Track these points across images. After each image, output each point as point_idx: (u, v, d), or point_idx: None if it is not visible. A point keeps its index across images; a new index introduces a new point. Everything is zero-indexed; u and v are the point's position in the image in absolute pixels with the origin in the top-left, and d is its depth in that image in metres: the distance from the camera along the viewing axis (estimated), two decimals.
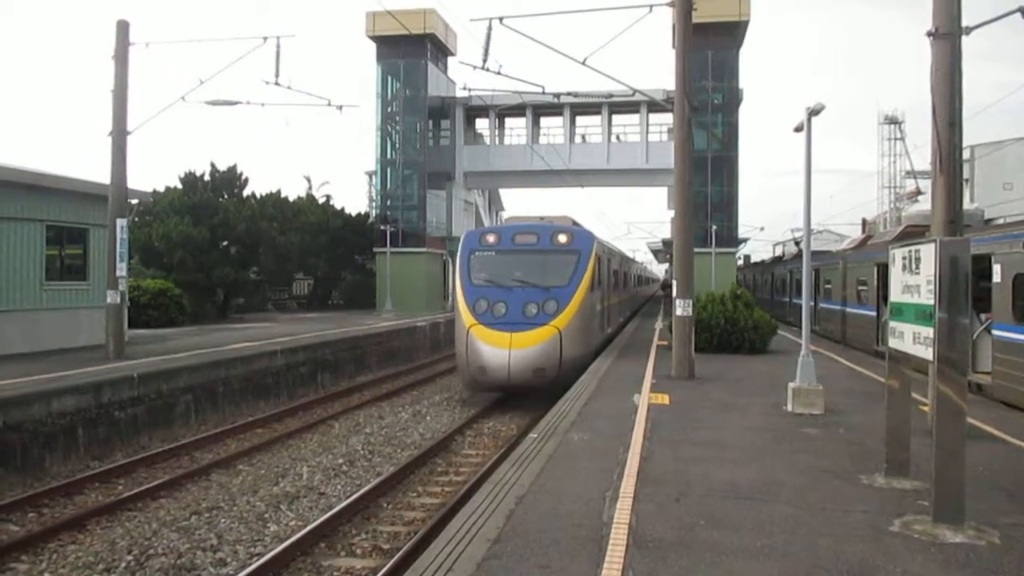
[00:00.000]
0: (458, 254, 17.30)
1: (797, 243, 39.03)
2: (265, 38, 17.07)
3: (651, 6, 14.99)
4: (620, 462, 7.82)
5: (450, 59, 53.21)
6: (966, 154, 37.20)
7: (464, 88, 21.17)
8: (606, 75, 16.72)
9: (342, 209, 49.89)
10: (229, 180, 37.95)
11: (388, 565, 7.55)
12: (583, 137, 50.76)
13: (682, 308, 14.68)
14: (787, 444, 8.96)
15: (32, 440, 11.38)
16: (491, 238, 17.28)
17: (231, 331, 25.72)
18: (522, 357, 15.31)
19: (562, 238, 17.07)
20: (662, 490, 6.86)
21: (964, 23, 9.61)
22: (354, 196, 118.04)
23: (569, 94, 21.89)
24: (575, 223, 20.33)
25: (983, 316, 13.43)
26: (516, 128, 53.22)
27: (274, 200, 38.09)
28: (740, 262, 58.91)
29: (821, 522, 6.03)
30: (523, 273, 16.45)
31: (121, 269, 17.19)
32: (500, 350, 15.34)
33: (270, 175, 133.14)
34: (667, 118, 42.78)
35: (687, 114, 14.65)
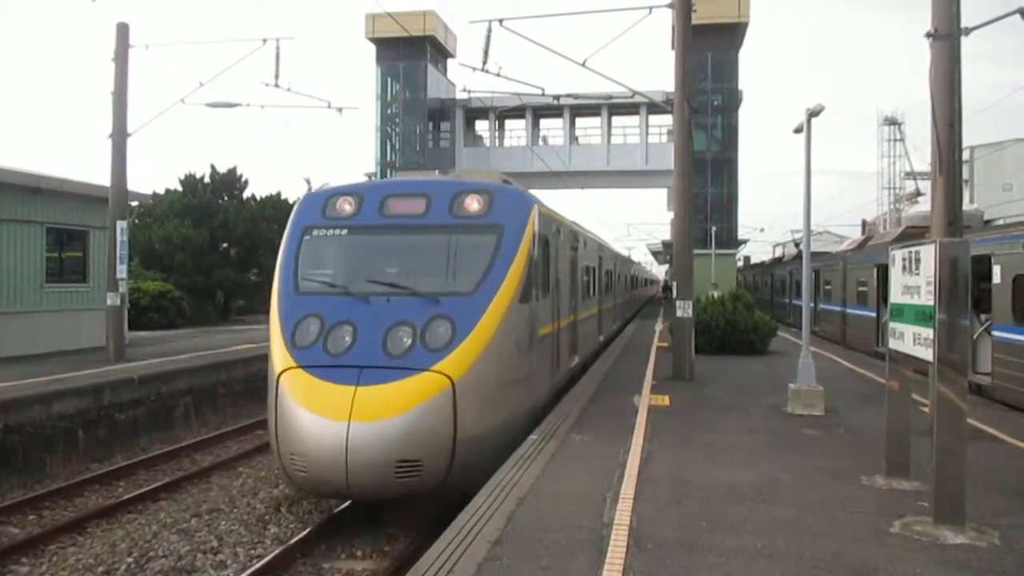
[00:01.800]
0: (285, 235, 9.81)
1: (797, 244, 39.07)
2: (265, 40, 17.08)
3: (651, 8, 15.01)
4: (620, 463, 7.82)
5: (450, 61, 53.31)
6: (965, 155, 37.17)
7: (464, 90, 21.17)
8: (606, 77, 16.61)
9: None
10: (229, 182, 37.94)
11: (387, 565, 7.57)
12: (576, 139, 50.72)
13: (682, 309, 14.68)
14: (787, 445, 8.96)
15: (32, 442, 11.38)
16: (344, 205, 9.67)
17: (232, 333, 25.72)
18: (373, 438, 7.46)
19: (472, 204, 9.36)
20: (662, 491, 6.85)
21: (963, 24, 9.63)
22: None
23: (569, 96, 21.86)
24: (507, 182, 11.40)
25: (983, 317, 13.43)
26: (516, 130, 53.30)
27: (274, 202, 38.11)
28: (740, 263, 58.96)
29: (822, 523, 6.03)
30: (395, 268, 9.09)
31: (121, 271, 17.19)
32: (331, 424, 7.52)
33: (270, 177, 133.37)
34: (667, 119, 42.83)
35: (687, 115, 14.66)
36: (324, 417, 7.53)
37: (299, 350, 8.26)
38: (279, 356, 8.33)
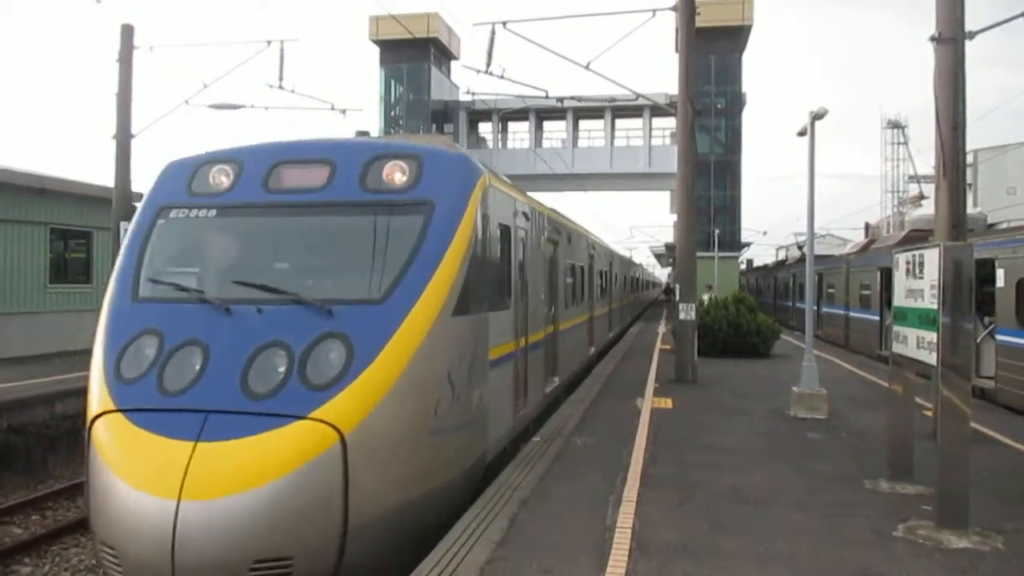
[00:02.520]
0: (133, 218, 7.29)
1: (800, 247, 39.04)
2: (269, 42, 17.12)
3: (654, 11, 15.03)
4: (623, 466, 7.81)
5: (453, 63, 53.38)
6: (969, 158, 37.16)
7: (467, 92, 21.23)
8: (609, 79, 16.60)
9: None
10: None
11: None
12: (572, 142, 50.73)
13: (685, 312, 14.67)
14: (790, 448, 8.94)
15: (36, 443, 11.40)
16: (219, 177, 7.07)
17: None
18: (216, 526, 4.88)
19: (392, 174, 6.78)
20: (665, 494, 6.85)
21: (967, 28, 9.62)
22: None
23: (572, 98, 21.86)
24: (453, 146, 8.86)
25: (986, 321, 13.41)
26: (519, 132, 53.34)
27: None
28: (743, 266, 58.92)
29: (825, 527, 6.02)
30: (276, 265, 6.83)
31: None
32: (151, 502, 4.93)
33: None
34: (670, 122, 42.82)
35: (690, 118, 14.66)
36: (143, 491, 4.91)
37: (123, 385, 5.64)
38: (95, 393, 5.73)
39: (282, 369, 5.52)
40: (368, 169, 6.73)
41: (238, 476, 4.95)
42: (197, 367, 5.62)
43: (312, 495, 5.07)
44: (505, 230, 8.17)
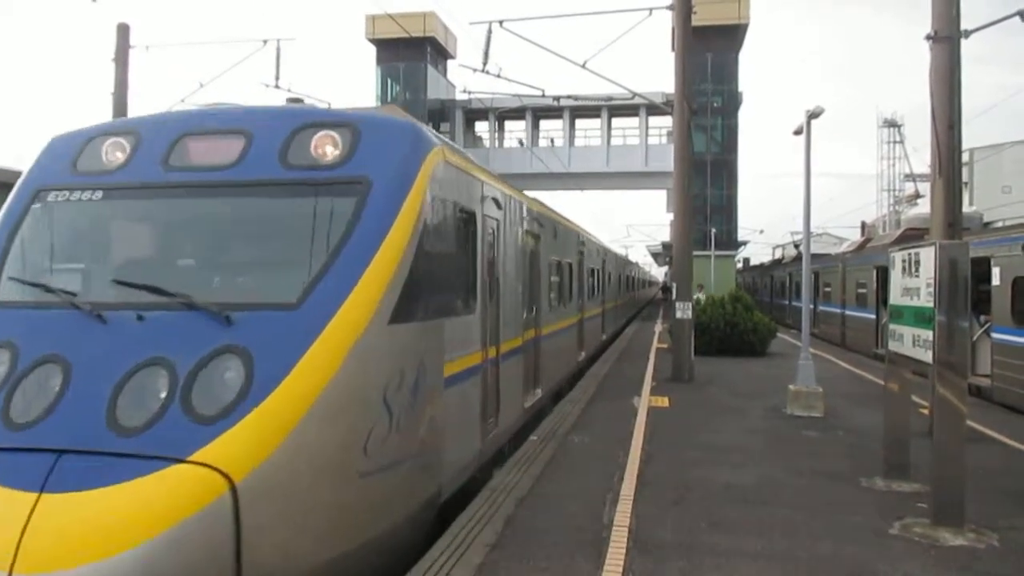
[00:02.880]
0: (7, 201, 5.95)
1: (796, 246, 39.11)
2: (265, 41, 17.14)
3: (651, 9, 15.05)
4: (620, 465, 7.82)
5: (450, 62, 53.37)
6: (965, 157, 37.26)
7: (464, 91, 21.21)
8: (606, 78, 16.60)
9: None
10: None
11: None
12: (560, 140, 50.77)
13: (681, 311, 14.69)
14: (787, 447, 8.96)
15: None
16: (113, 152, 5.80)
17: None
18: None
19: (321, 147, 5.51)
20: (662, 493, 6.85)
21: (963, 26, 9.64)
22: None
23: (569, 97, 21.87)
24: (403, 114, 6.97)
25: (982, 319, 13.45)
26: (515, 131, 53.35)
27: None
28: (739, 265, 58.99)
29: (821, 525, 6.03)
30: (169, 260, 5.65)
31: None
32: None
33: None
34: (666, 121, 42.87)
35: (687, 117, 14.67)
36: None
37: None
38: None
39: (162, 395, 4.32)
40: (291, 141, 5.50)
41: (92, 539, 3.74)
42: (53, 392, 4.39)
43: (190, 562, 3.86)
44: (468, 218, 6.85)
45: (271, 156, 5.48)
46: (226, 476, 4.01)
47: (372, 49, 50.04)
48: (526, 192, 10.67)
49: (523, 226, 9.74)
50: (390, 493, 5.08)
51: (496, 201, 8.05)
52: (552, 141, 50.17)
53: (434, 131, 6.48)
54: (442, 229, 5.98)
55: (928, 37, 9.65)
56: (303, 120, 5.68)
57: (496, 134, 52.88)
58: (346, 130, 5.53)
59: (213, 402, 4.29)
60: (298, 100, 7.04)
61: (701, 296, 22.84)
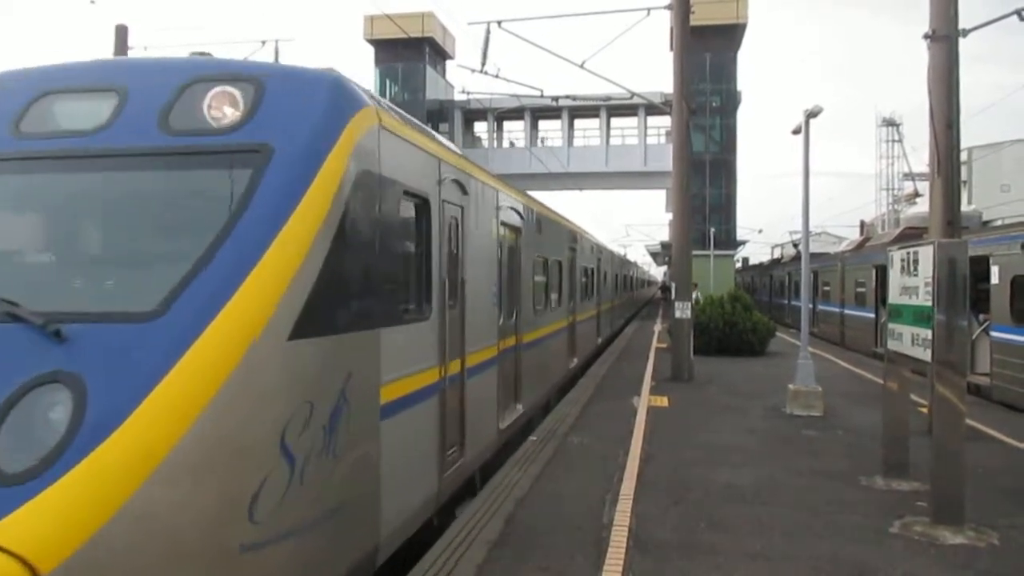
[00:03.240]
0: None
1: (795, 245, 39.12)
2: (264, 42, 17.25)
3: (649, 9, 15.07)
4: (620, 465, 7.81)
5: (448, 62, 53.38)
6: (963, 156, 37.29)
7: (462, 91, 21.24)
8: (604, 78, 16.61)
9: None
10: None
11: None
12: (556, 141, 50.81)
13: (681, 310, 14.69)
14: (786, 446, 8.96)
15: None
16: None
17: None
18: None
19: (218, 106, 4.26)
20: (662, 493, 6.85)
21: (961, 25, 9.65)
22: None
23: (567, 97, 21.89)
24: (337, 74, 4.89)
25: (981, 317, 13.46)
26: (514, 131, 53.41)
27: None
28: (738, 264, 59.03)
29: (821, 524, 6.03)
30: (22, 248, 4.42)
31: None
32: None
33: None
34: (665, 121, 42.90)
35: (685, 117, 14.68)
36: None
37: None
38: None
39: None
40: (177, 100, 4.31)
41: None
42: None
43: None
44: (421, 203, 5.73)
45: (149, 119, 4.27)
46: (27, 565, 2.76)
47: (370, 50, 50.05)
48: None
49: (499, 217, 8.52)
50: (295, 567, 3.86)
51: (460, 185, 6.78)
52: (542, 141, 50.12)
53: (377, 98, 5.12)
54: (376, 214, 4.72)
55: (926, 36, 9.66)
56: (193, 74, 4.42)
57: (495, 134, 52.90)
58: (247, 85, 4.30)
59: (24, 453, 3.04)
60: (204, 54, 5.29)
61: (697, 295, 22.85)
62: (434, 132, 7.01)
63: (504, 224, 8.81)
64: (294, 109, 4.31)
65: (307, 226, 3.97)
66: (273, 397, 3.73)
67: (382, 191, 4.83)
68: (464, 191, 6.92)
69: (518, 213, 9.62)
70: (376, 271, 4.75)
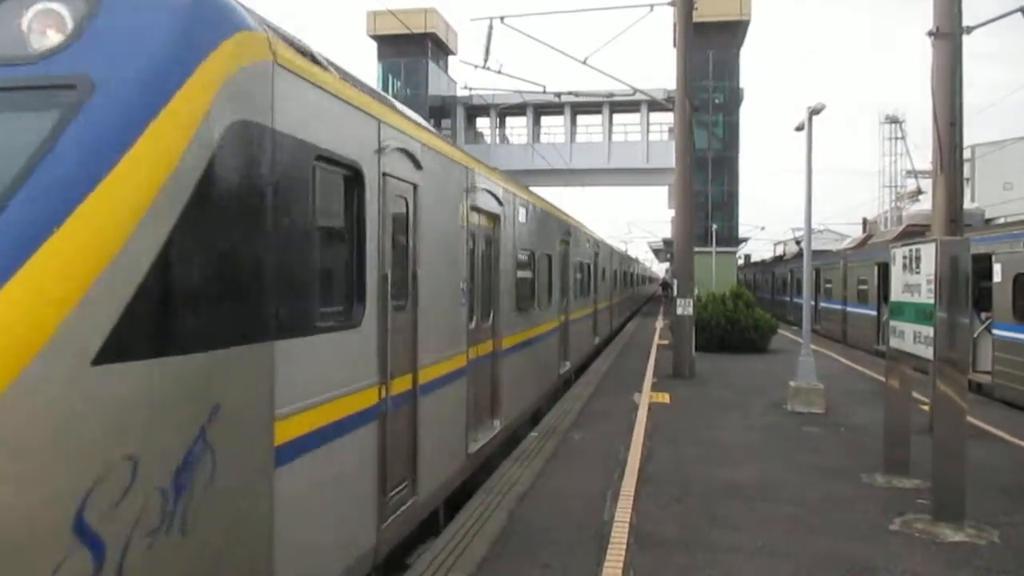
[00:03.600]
0: None
1: (798, 242, 39.08)
2: None
3: (652, 5, 15.03)
4: (621, 461, 7.83)
5: (451, 58, 53.35)
6: (966, 154, 37.24)
7: (465, 87, 21.19)
8: (607, 74, 16.58)
9: None
10: None
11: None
12: (559, 137, 50.76)
13: (683, 307, 14.70)
14: (788, 443, 8.97)
15: None
16: None
17: None
18: None
19: (38, 27, 3.09)
20: (663, 489, 6.86)
21: (965, 23, 9.63)
22: None
23: (570, 93, 21.84)
24: None
25: (983, 315, 13.45)
26: (517, 127, 53.38)
27: None
28: (741, 261, 59.01)
29: (822, 521, 6.04)
30: None
31: None
32: None
33: None
34: (668, 117, 42.83)
35: (688, 113, 14.66)
36: None
37: None
38: None
39: None
40: None
41: None
42: None
43: None
44: (348, 176, 4.52)
45: None
46: None
47: (373, 45, 50.02)
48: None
49: (470, 200, 7.19)
50: None
51: (411, 156, 5.51)
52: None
53: (277, 27, 3.98)
54: (262, 182, 3.52)
55: (930, 34, 9.65)
56: None
57: (497, 130, 52.86)
58: (78, 2, 3.19)
59: None
60: None
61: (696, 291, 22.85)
62: (385, 95, 5.76)
63: (477, 209, 7.53)
64: (132, 31, 3.15)
65: (134, 192, 2.82)
66: (62, 454, 2.49)
67: (275, 151, 3.60)
68: (417, 165, 5.63)
69: (495, 198, 8.28)
70: (264, 261, 3.51)
